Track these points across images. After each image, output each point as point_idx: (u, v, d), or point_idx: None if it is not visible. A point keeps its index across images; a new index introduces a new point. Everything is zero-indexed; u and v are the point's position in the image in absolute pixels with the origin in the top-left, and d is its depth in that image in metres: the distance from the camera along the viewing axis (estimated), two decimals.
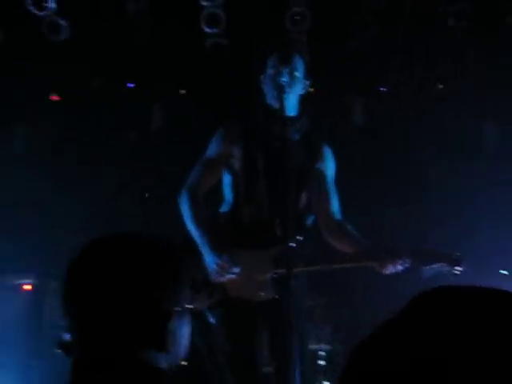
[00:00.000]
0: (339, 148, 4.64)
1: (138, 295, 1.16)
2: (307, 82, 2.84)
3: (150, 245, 1.23)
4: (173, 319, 1.19)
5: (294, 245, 2.42)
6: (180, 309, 1.21)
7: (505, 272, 4.47)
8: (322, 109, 4.82)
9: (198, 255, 2.70)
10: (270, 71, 2.77)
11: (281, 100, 2.62)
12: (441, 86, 4.96)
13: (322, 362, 4.42)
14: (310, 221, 2.83)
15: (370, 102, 5.01)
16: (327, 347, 4.43)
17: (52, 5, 4.31)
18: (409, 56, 4.78)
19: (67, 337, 1.19)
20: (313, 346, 4.48)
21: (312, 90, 4.77)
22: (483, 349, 0.53)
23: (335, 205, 2.86)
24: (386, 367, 0.55)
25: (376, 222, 4.47)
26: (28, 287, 4.36)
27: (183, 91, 5.07)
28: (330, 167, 2.90)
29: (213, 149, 2.86)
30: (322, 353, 4.46)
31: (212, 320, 2.68)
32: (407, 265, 2.57)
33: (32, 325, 4.21)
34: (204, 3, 4.43)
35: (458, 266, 2.53)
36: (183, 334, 1.23)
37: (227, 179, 2.86)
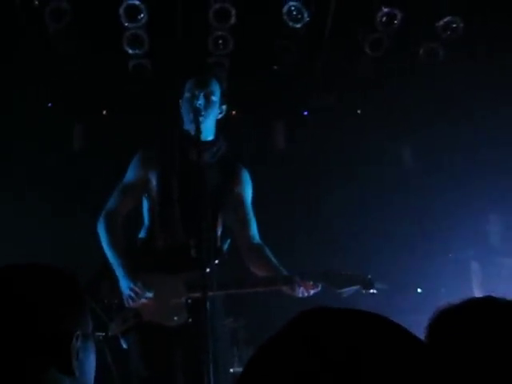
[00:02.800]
0: (261, 171, 4.74)
1: (27, 314, 1.13)
2: (224, 107, 2.86)
3: (42, 269, 1.20)
4: (75, 340, 1.17)
5: (208, 269, 2.42)
6: (82, 332, 1.18)
7: (419, 290, 4.66)
8: (245, 132, 4.89)
9: (114, 280, 2.66)
10: (187, 95, 2.78)
11: (197, 123, 2.64)
12: (359, 112, 5.15)
13: None
14: (226, 244, 2.82)
15: (291, 125, 5.12)
16: None
17: None
18: (329, 81, 4.93)
19: None
20: (236, 369, 4.47)
21: (234, 112, 4.86)
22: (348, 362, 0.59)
23: (253, 227, 2.87)
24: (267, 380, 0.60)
25: (291, 245, 4.55)
26: None
27: (105, 111, 5.00)
28: (247, 190, 2.92)
29: (130, 174, 2.84)
30: None
31: (125, 345, 2.63)
32: (318, 288, 2.63)
33: None
34: (127, 24, 4.41)
35: (371, 287, 2.62)
36: (89, 359, 1.20)
37: (145, 204, 2.84)
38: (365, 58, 4.66)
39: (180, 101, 2.85)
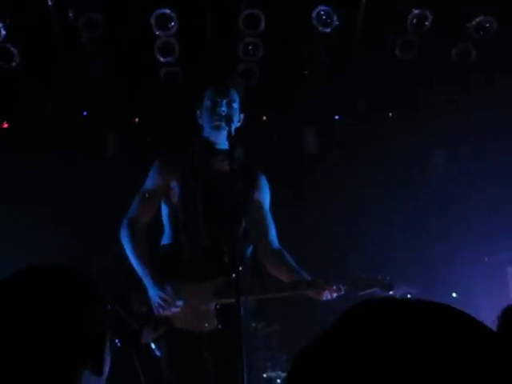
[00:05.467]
0: (292, 176, 4.74)
1: (64, 319, 1.15)
2: (242, 115, 2.88)
3: (69, 271, 1.23)
4: (107, 341, 1.20)
5: (235, 275, 2.43)
6: (107, 332, 1.21)
7: (455, 295, 4.58)
8: (275, 137, 4.90)
9: (142, 288, 2.68)
10: (208, 103, 2.80)
11: (219, 131, 2.66)
12: (390, 115, 5.10)
13: None
14: (249, 250, 2.84)
15: (322, 129, 5.11)
16: (284, 374, 4.42)
17: (2, 32, 4.28)
18: (359, 84, 4.91)
19: None
20: (270, 374, 4.47)
21: (265, 118, 4.88)
22: (409, 356, 0.55)
23: (273, 232, 2.89)
24: (322, 375, 0.58)
25: (316, 248, 4.54)
26: None
27: (137, 119, 5.07)
28: (266, 195, 2.94)
29: (149, 181, 2.87)
30: (278, 380, 4.45)
31: (158, 353, 2.65)
32: (342, 292, 2.63)
33: None
34: (158, 33, 4.47)
35: (390, 290, 2.63)
36: (108, 359, 1.23)
37: (165, 211, 2.86)
38: (395, 60, 4.62)
39: (198, 111, 2.88)
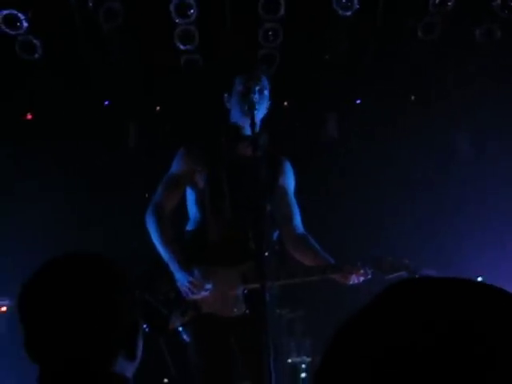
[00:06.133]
0: (313, 161, 4.73)
1: (99, 307, 1.18)
2: (269, 103, 2.88)
3: (98, 260, 1.25)
4: (141, 328, 1.22)
5: (262, 260, 2.44)
6: (139, 318, 1.24)
7: (480, 279, 4.53)
8: (297, 122, 4.88)
9: (169, 274, 2.70)
10: (239, 88, 2.80)
11: (252, 117, 2.66)
12: (412, 98, 5.04)
13: (303, 375, 4.43)
14: (275, 235, 2.85)
15: (344, 114, 5.07)
16: (308, 359, 4.44)
17: (24, 24, 4.31)
18: (381, 69, 4.85)
19: None
20: (294, 359, 4.49)
21: (286, 103, 4.86)
22: (454, 335, 0.53)
23: (297, 218, 2.90)
24: (362, 353, 0.55)
25: (343, 233, 4.52)
26: (3, 309, 4.31)
27: (158, 108, 5.09)
28: (291, 181, 2.95)
29: (175, 167, 2.88)
30: (303, 365, 4.47)
31: (186, 338, 2.68)
32: (369, 275, 2.64)
33: (9, 346, 4.15)
34: (177, 20, 4.47)
35: (416, 274, 2.62)
36: (140, 341, 1.25)
37: (191, 197, 2.87)
38: (418, 42, 4.56)
39: (225, 95, 2.88)
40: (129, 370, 1.21)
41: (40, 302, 1.18)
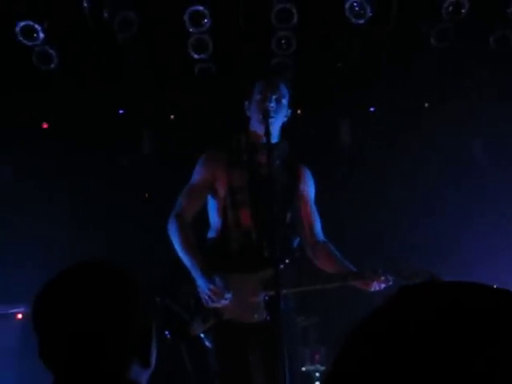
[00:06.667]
0: (327, 169, 4.73)
1: (112, 314, 1.18)
2: (289, 111, 2.89)
3: (111, 267, 1.25)
4: (154, 334, 1.22)
5: (282, 266, 2.44)
6: (153, 325, 1.24)
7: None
8: (311, 130, 4.89)
9: (190, 280, 2.72)
10: (258, 96, 2.81)
11: (266, 125, 2.67)
12: (426, 105, 5.03)
13: (317, 383, 4.42)
14: (295, 242, 2.86)
15: (357, 122, 5.07)
16: (322, 368, 4.42)
17: (41, 35, 4.37)
18: (394, 76, 4.85)
19: None
20: (308, 367, 4.48)
21: (299, 111, 4.87)
22: (465, 340, 0.53)
23: (318, 225, 2.91)
24: (375, 354, 0.56)
25: (360, 238, 4.52)
26: (19, 316, 4.34)
27: (172, 116, 5.13)
28: (311, 189, 2.96)
29: (196, 175, 2.90)
30: (317, 374, 4.45)
31: (208, 344, 2.69)
32: (390, 282, 2.64)
33: (24, 353, 4.18)
34: (191, 30, 4.51)
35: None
36: (155, 351, 1.25)
37: (212, 204, 2.89)
38: (431, 49, 4.55)
39: (246, 102, 2.89)
40: (143, 377, 1.21)
41: (53, 310, 1.19)
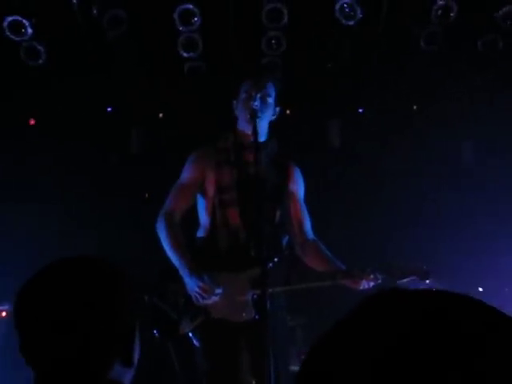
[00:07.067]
0: (315, 170, 4.74)
1: (94, 311, 1.17)
2: (277, 109, 2.89)
3: (97, 263, 1.24)
4: (137, 332, 1.21)
5: (271, 265, 2.44)
6: (137, 323, 1.22)
7: (481, 289, 4.53)
8: (299, 130, 4.89)
9: (178, 279, 2.71)
10: (243, 95, 2.81)
11: (253, 124, 2.67)
12: (415, 107, 5.06)
13: None
14: (285, 241, 2.87)
15: (346, 123, 5.08)
16: None
17: (29, 30, 4.34)
18: (384, 77, 4.87)
19: None
20: (295, 367, 4.48)
21: (288, 112, 4.87)
22: (431, 348, 0.53)
23: (307, 223, 2.91)
24: (334, 366, 0.56)
25: (350, 238, 4.53)
26: (3, 314, 4.30)
27: (161, 114, 5.11)
28: (300, 187, 2.96)
29: (185, 174, 2.90)
30: None
31: (196, 343, 2.68)
32: (379, 280, 2.65)
33: (9, 352, 4.14)
34: (181, 28, 4.49)
35: (426, 278, 2.63)
36: (137, 350, 1.24)
37: (201, 203, 2.89)
38: (421, 51, 4.58)
39: (234, 101, 2.89)
40: (126, 376, 1.19)
41: (34, 305, 1.17)
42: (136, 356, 1.21)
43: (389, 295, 0.61)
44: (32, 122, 5.01)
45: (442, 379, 0.52)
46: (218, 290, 2.65)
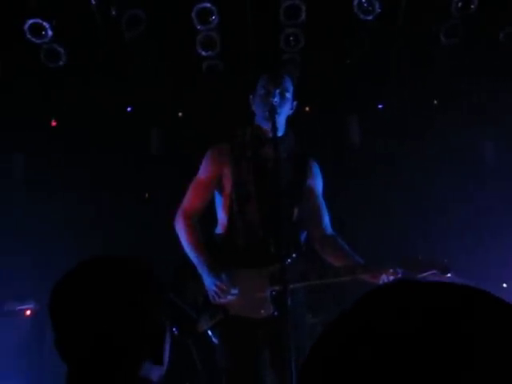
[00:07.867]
0: (336, 166, 4.72)
1: (127, 311, 1.18)
2: (295, 103, 2.87)
3: (129, 263, 1.25)
4: (167, 331, 1.22)
5: (289, 261, 2.43)
6: (167, 322, 1.23)
7: (505, 285, 4.47)
8: (319, 127, 4.87)
9: (197, 277, 2.72)
10: (261, 91, 2.79)
11: (272, 120, 2.65)
12: (435, 102, 5.00)
13: None
14: (303, 237, 2.85)
15: (366, 119, 5.05)
16: None
17: (49, 32, 4.39)
18: (403, 73, 4.82)
19: None
20: None
21: (308, 109, 4.85)
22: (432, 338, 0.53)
23: (326, 219, 2.89)
24: (338, 352, 0.57)
25: (370, 233, 4.50)
26: (28, 313, 4.36)
27: (180, 113, 5.13)
28: (318, 182, 2.94)
29: (202, 171, 2.89)
30: None
31: (215, 340, 2.68)
32: (399, 275, 2.61)
33: (33, 350, 4.20)
34: (199, 27, 4.50)
35: (447, 272, 2.59)
36: (168, 348, 1.25)
37: (219, 200, 2.88)
38: (441, 45, 4.52)
39: (251, 97, 2.87)
40: (155, 373, 1.20)
41: (69, 304, 1.19)
42: (167, 355, 1.22)
43: (395, 286, 0.61)
44: (53, 123, 5.06)
45: (450, 374, 0.52)
46: (234, 291, 2.66)
